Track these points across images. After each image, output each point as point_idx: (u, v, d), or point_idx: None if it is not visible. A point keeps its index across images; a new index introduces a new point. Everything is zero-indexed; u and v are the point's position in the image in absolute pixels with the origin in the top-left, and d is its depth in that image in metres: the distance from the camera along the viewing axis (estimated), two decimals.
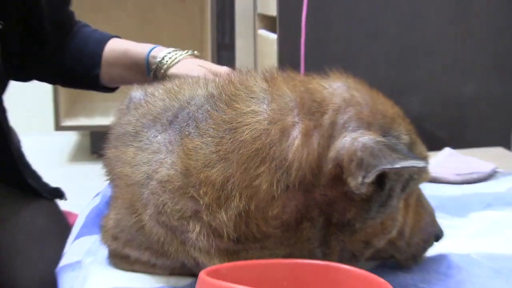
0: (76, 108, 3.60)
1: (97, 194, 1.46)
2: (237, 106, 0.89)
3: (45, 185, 1.63)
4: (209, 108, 0.93)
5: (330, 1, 2.03)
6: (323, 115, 0.85)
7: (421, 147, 0.92)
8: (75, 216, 1.52)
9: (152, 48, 1.49)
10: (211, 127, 0.90)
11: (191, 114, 0.96)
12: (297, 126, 0.85)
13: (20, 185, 1.56)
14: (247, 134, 0.86)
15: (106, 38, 1.58)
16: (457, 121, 2.12)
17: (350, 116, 0.85)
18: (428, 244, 1.00)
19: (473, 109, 2.12)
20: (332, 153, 0.83)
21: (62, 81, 1.70)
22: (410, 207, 0.94)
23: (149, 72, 1.47)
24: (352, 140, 0.82)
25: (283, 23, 2.08)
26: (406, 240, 0.95)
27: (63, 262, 1.22)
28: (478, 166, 1.52)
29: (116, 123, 1.13)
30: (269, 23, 2.39)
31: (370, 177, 0.79)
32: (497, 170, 1.51)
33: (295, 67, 1.96)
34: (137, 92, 1.15)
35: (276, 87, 0.90)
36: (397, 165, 0.79)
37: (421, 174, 0.90)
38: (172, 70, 1.43)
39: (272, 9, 2.18)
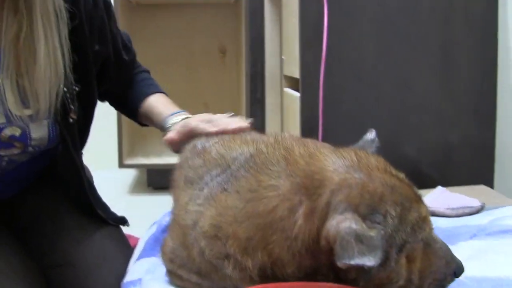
0: (135, 149, 3.62)
1: (154, 223, 1.47)
2: (261, 178, 0.91)
3: (112, 214, 1.63)
4: (243, 172, 0.95)
5: (343, 67, 2.05)
6: (321, 196, 0.84)
7: (417, 211, 0.87)
8: (135, 238, 1.52)
9: (170, 116, 1.49)
10: (242, 190, 0.92)
11: (232, 173, 0.98)
12: (302, 206, 0.85)
13: (92, 214, 1.56)
14: (264, 207, 0.87)
15: (148, 93, 1.61)
16: (446, 163, 2.11)
17: (341, 198, 0.83)
18: (445, 281, 0.92)
19: (459, 153, 2.11)
20: (324, 232, 0.82)
21: (116, 107, 1.75)
22: (415, 259, 0.88)
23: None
24: (336, 224, 0.80)
25: (305, 84, 2.08)
26: (416, 285, 0.89)
27: (126, 278, 1.23)
28: (466, 201, 1.51)
29: (181, 163, 1.17)
30: (293, 83, 2.40)
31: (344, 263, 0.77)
32: (484, 205, 1.50)
33: (314, 120, 1.98)
34: (199, 142, 1.17)
35: (292, 166, 0.90)
36: (352, 262, 0.76)
37: (417, 236, 0.87)
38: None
39: (295, 72, 2.19)
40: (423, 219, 0.88)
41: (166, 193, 1.19)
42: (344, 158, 0.89)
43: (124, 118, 3.19)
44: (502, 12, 2.05)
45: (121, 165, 3.28)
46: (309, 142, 1.00)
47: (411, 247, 0.86)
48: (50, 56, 1.27)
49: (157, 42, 3.81)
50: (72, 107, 1.39)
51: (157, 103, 1.58)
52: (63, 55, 1.30)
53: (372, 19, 2.05)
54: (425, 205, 0.90)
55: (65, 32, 1.31)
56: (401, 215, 0.84)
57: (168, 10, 3.81)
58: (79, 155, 1.52)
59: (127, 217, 1.69)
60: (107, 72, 1.54)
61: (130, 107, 1.63)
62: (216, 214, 0.93)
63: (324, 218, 0.83)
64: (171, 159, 3.29)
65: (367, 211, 0.82)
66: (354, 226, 0.79)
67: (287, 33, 2.45)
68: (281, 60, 2.67)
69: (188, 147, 1.20)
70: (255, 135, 1.19)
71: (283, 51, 2.63)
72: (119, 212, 1.68)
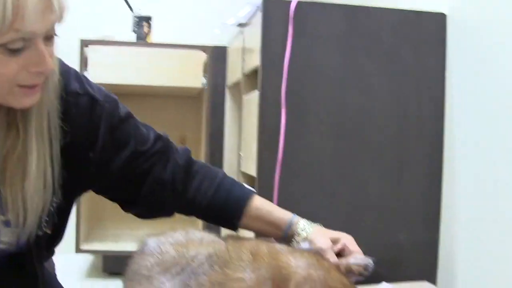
0: (92, 234, 3.64)
1: None
2: (228, 272, 0.98)
3: None
4: (207, 267, 1.01)
5: (300, 169, 2.15)
6: None
7: None
8: None
9: (294, 217, 1.51)
10: (207, 284, 0.98)
11: (194, 269, 1.03)
12: None
13: None
14: None
15: (247, 195, 1.53)
16: (394, 260, 2.19)
17: None
18: None
19: (406, 251, 2.21)
20: None
21: (201, 218, 1.62)
22: None
23: (286, 233, 1.47)
24: None
25: (261, 183, 2.15)
26: None
27: None
28: None
29: (133, 262, 1.17)
30: (250, 180, 2.47)
31: None
32: None
33: None
34: (151, 241, 1.18)
35: (257, 261, 0.98)
36: None
37: None
38: (309, 238, 1.42)
39: (252, 170, 2.25)
40: None
41: (121, 278, 1.20)
42: (305, 257, 1.00)
43: (83, 203, 3.22)
44: (448, 127, 2.21)
45: (78, 250, 3.29)
46: (268, 243, 1.08)
47: None
48: (40, 171, 1.28)
49: None
50: (47, 219, 1.38)
51: (268, 205, 1.55)
52: (53, 171, 1.31)
53: (328, 123, 2.16)
54: None
55: (57, 149, 1.32)
56: None
57: (131, 100, 3.88)
58: (42, 266, 1.49)
59: None
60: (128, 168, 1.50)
61: (227, 209, 1.52)
62: None
63: None
64: (127, 245, 3.34)
65: None
66: None
67: (246, 131, 2.52)
68: (239, 156, 2.75)
69: (142, 245, 1.21)
70: (207, 235, 1.22)
71: (242, 148, 2.70)
72: None
